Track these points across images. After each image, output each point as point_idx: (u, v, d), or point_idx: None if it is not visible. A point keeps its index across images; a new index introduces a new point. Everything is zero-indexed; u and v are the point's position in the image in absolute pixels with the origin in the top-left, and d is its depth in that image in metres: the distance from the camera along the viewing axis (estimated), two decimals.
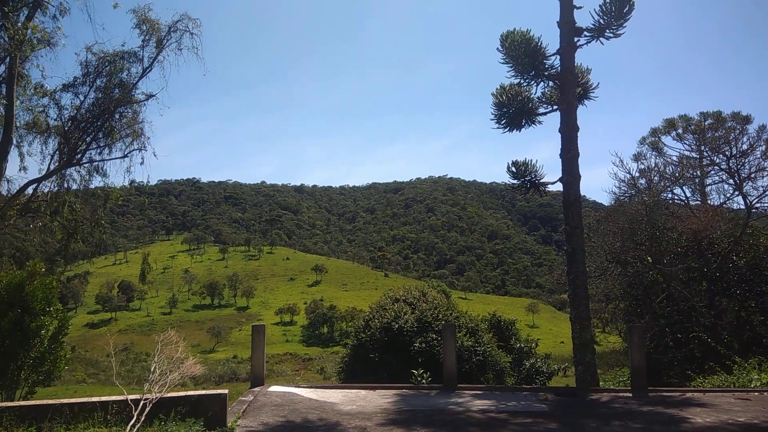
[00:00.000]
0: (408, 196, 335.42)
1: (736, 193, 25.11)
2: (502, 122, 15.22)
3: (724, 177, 26.27)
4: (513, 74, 14.66)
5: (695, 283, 20.56)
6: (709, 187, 27.96)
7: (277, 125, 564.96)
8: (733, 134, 26.21)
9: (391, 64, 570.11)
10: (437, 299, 17.42)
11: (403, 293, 17.46)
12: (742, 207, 24.24)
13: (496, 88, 15.14)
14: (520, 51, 14.11)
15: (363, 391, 10.81)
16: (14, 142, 18.59)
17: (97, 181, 19.98)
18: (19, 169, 18.89)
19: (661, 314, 19.82)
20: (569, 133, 13.72)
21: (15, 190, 18.78)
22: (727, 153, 25.64)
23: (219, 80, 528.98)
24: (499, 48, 14.38)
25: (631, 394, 10.72)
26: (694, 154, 29.04)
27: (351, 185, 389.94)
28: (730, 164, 25.20)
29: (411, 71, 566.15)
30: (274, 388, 10.84)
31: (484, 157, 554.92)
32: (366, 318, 16.57)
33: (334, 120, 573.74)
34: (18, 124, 18.78)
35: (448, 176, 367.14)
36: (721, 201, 26.41)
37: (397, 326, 15.13)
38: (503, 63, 14.56)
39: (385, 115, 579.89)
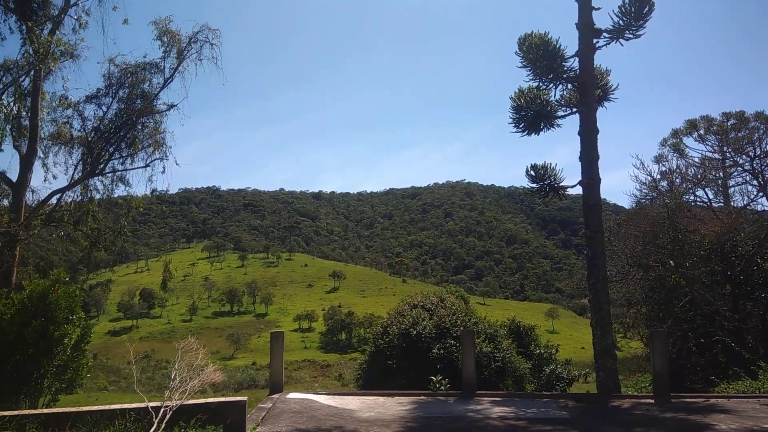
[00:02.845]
0: (425, 201, 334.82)
1: (761, 194, 24.69)
2: (521, 126, 15.12)
3: (748, 178, 25.87)
4: (531, 77, 14.58)
5: (719, 287, 20.17)
6: (732, 189, 27.54)
7: (294, 133, 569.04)
8: (756, 134, 25.81)
9: (405, 70, 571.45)
10: (455, 305, 17.34)
11: (421, 299, 17.40)
12: (767, 208, 23.79)
13: (514, 92, 15.05)
14: (538, 54, 14.03)
15: (381, 398, 10.78)
16: (39, 153, 19.01)
17: (119, 191, 20.36)
18: (44, 180, 19.27)
19: (684, 319, 19.47)
20: (589, 135, 13.59)
21: (39, 200, 19.16)
22: (750, 153, 25.24)
23: (237, 89, 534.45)
24: (517, 51, 14.32)
25: (653, 401, 10.54)
26: (716, 156, 28.65)
27: (368, 191, 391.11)
28: (754, 165, 24.79)
29: (426, 77, 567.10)
30: (292, 395, 10.85)
31: (501, 160, 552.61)
32: (384, 324, 16.55)
33: (351, 127, 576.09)
34: (42, 135, 19.17)
35: (466, 181, 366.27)
36: (745, 203, 26.00)
37: (415, 332, 15.07)
38: (521, 66, 14.49)
39: (401, 122, 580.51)
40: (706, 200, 27.01)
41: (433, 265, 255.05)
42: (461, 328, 14.41)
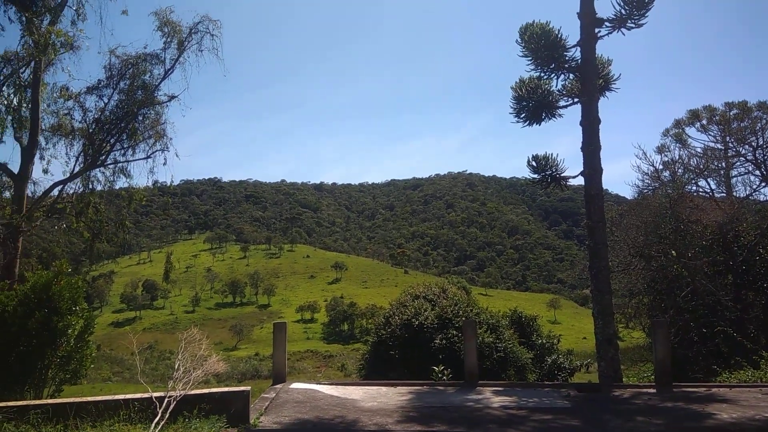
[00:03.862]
0: (427, 193, 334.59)
1: (763, 184, 24.63)
2: (522, 116, 15.08)
3: (750, 168, 25.81)
4: (532, 67, 14.55)
5: (721, 277, 20.16)
6: (734, 179, 27.47)
7: (295, 123, 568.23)
8: (759, 124, 25.73)
9: (406, 60, 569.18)
10: (457, 295, 17.36)
11: (423, 290, 17.43)
12: None
13: (516, 82, 15.01)
14: (539, 43, 13.97)
15: (384, 388, 10.83)
16: (40, 144, 19.01)
17: (121, 182, 20.32)
18: (46, 171, 19.27)
19: (686, 309, 19.49)
20: (590, 125, 13.56)
21: (41, 192, 19.18)
22: (753, 143, 25.16)
23: (237, 79, 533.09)
24: (518, 40, 14.27)
25: (655, 390, 10.57)
26: (718, 146, 28.58)
27: (370, 182, 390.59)
28: (757, 155, 24.71)
29: (426, 67, 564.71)
30: (295, 385, 10.91)
31: (503, 151, 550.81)
32: (386, 315, 16.58)
33: (352, 117, 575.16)
34: (43, 127, 19.16)
35: (467, 172, 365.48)
36: (747, 192, 25.93)
37: (417, 323, 15.11)
38: (522, 56, 14.44)
39: (402, 112, 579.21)
40: (709, 190, 26.96)
41: (434, 256, 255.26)
42: (463, 318, 14.44)
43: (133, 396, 7.59)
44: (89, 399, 7.58)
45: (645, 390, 10.80)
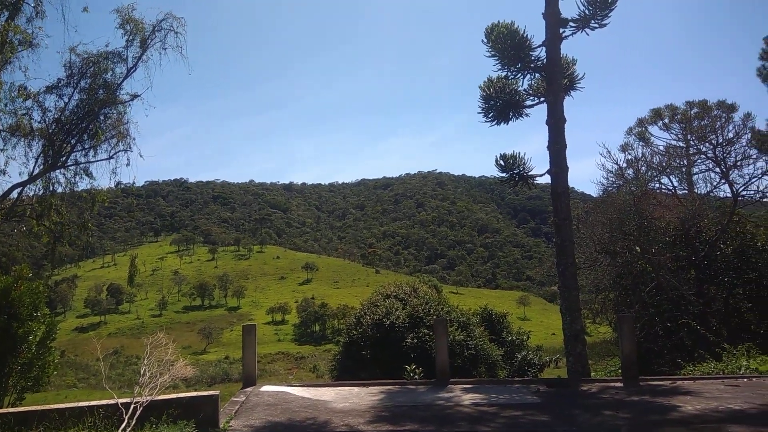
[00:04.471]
0: (397, 192, 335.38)
1: (723, 181, 25.29)
2: (490, 115, 15.21)
3: (711, 165, 26.48)
4: (499, 67, 14.69)
5: (684, 272, 20.72)
6: (695, 176, 28.20)
7: (265, 124, 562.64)
8: (719, 123, 26.40)
9: (380, 61, 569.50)
10: (428, 294, 17.44)
11: (394, 289, 17.45)
12: (729, 195, 24.44)
13: (483, 81, 15.13)
14: (505, 43, 14.12)
15: (356, 389, 10.80)
16: None
17: (83, 184, 19.83)
18: (2, 173, 18.65)
19: (651, 303, 19.96)
20: (556, 124, 13.75)
21: None
22: (713, 141, 25.82)
23: (207, 80, 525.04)
24: (484, 40, 14.39)
25: (622, 384, 10.78)
26: (680, 144, 29.28)
27: (340, 182, 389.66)
28: (717, 153, 25.37)
29: (400, 68, 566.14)
30: (266, 388, 10.79)
31: (472, 151, 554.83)
32: (357, 315, 16.56)
33: (324, 118, 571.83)
34: (1, 128, 18.56)
35: (437, 171, 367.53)
36: (708, 189, 26.63)
37: (388, 322, 15.13)
38: (489, 56, 14.56)
39: (374, 113, 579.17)
40: (671, 187, 27.61)
41: (405, 255, 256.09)
42: (434, 317, 14.50)
43: (98, 402, 7.40)
44: (53, 406, 7.38)
45: (612, 384, 11.00)
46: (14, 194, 18.83)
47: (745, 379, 10.96)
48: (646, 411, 8.57)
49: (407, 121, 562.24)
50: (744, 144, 24.82)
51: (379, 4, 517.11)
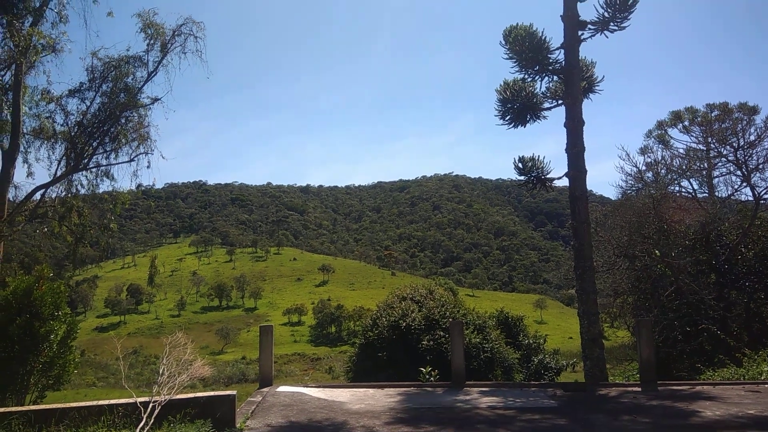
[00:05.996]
0: (414, 195, 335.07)
1: (744, 184, 24.89)
2: (507, 118, 15.12)
3: (732, 168, 26.09)
4: (517, 69, 14.59)
5: (704, 276, 20.42)
6: (716, 179, 27.82)
7: (280, 125, 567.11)
8: (740, 125, 26.01)
9: (393, 61, 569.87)
10: (444, 297, 17.40)
11: (410, 291, 17.45)
12: (750, 198, 24.03)
13: (500, 84, 15.04)
14: (523, 46, 14.03)
15: (371, 390, 10.81)
16: (21, 148, 18.75)
17: (104, 186, 20.16)
18: (27, 175, 19.04)
19: (670, 308, 19.70)
20: (575, 127, 13.65)
21: (23, 196, 18.92)
22: (734, 144, 25.42)
23: (220, 81, 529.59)
24: (502, 43, 14.32)
25: (640, 389, 10.66)
26: (701, 146, 28.93)
27: (357, 184, 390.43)
28: (738, 156, 24.97)
29: (413, 68, 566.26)
30: (282, 389, 10.85)
31: (489, 153, 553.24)
32: (373, 317, 16.58)
33: (337, 119, 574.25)
34: (25, 131, 18.92)
35: (454, 173, 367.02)
36: (729, 193, 26.25)
37: (404, 324, 15.12)
38: (507, 58, 14.50)
39: (388, 113, 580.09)
40: (691, 191, 27.30)
41: (421, 257, 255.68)
42: (450, 319, 14.46)
43: (117, 401, 7.49)
44: (72, 405, 7.48)
45: (630, 389, 10.88)
46: (37, 196, 19.20)
47: (766, 385, 10.77)
48: (666, 416, 8.46)
49: (422, 122, 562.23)
50: (766, 147, 24.41)
51: (391, 5, 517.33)
